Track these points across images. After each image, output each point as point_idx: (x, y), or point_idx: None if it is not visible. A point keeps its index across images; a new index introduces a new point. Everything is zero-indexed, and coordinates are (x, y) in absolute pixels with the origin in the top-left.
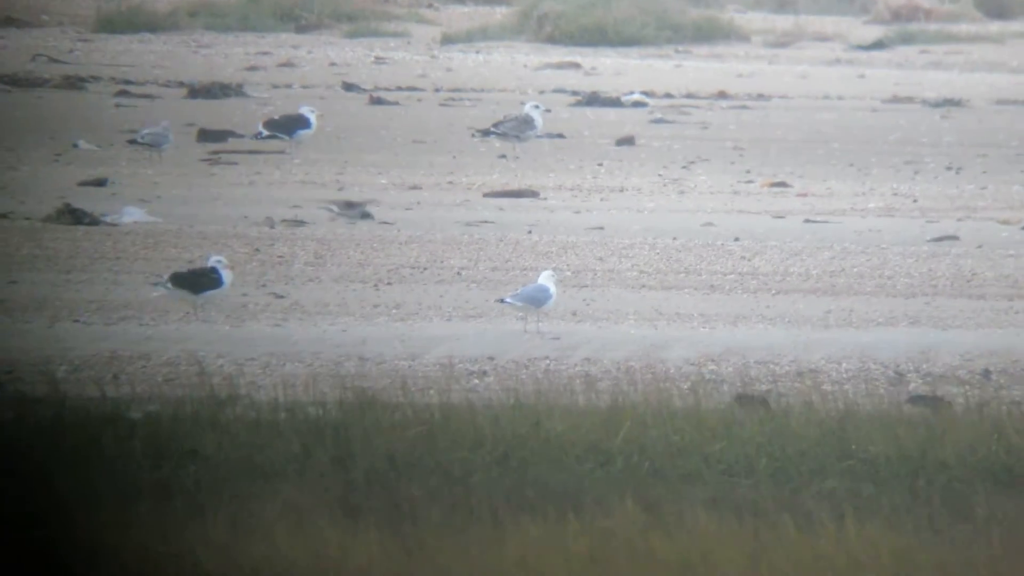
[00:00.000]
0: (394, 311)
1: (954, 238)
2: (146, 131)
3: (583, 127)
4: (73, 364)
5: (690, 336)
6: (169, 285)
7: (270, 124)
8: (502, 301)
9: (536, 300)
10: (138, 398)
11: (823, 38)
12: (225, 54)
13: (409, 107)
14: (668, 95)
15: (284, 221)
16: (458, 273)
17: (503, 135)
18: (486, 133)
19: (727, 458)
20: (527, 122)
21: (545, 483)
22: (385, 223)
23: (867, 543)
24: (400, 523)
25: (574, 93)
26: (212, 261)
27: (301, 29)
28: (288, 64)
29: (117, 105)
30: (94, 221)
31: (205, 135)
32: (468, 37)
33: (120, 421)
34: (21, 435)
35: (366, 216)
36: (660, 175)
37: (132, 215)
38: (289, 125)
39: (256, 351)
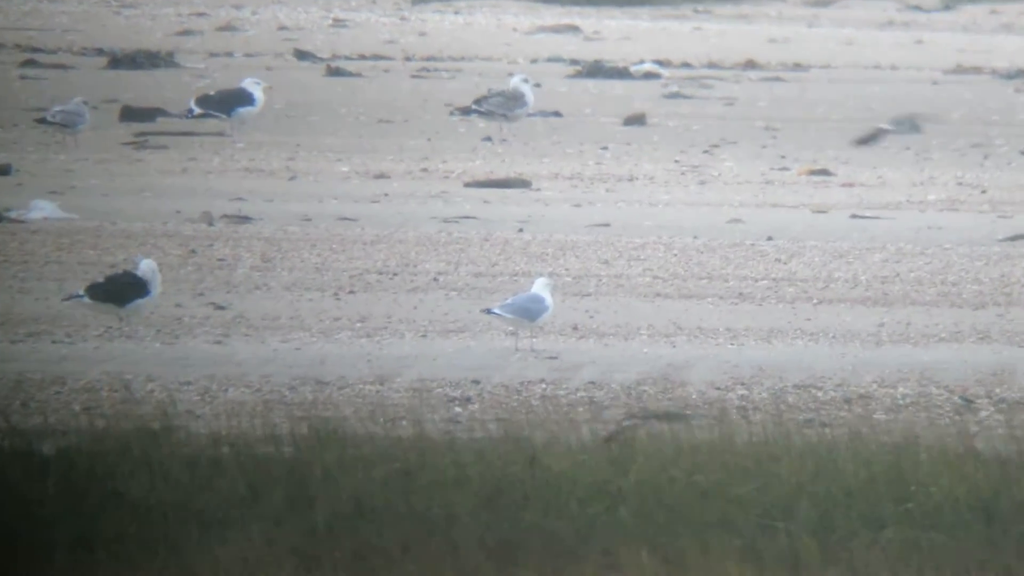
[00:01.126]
0: (358, 325)
1: None
2: (57, 109)
3: (584, 103)
4: None
5: (715, 355)
6: (86, 299)
7: (204, 101)
8: (489, 312)
9: (529, 312)
10: (52, 430)
11: None
12: (152, 15)
13: (374, 79)
14: (686, 64)
15: (225, 216)
16: (435, 279)
17: (487, 113)
18: (467, 111)
19: (762, 501)
20: (516, 98)
21: (542, 531)
22: (346, 219)
23: None
24: None
25: (573, 62)
26: (141, 266)
27: None
28: (228, 28)
29: (22, 77)
30: None
31: (129, 114)
32: None
33: (30, 457)
34: None
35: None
36: (677, 161)
37: (42, 210)
38: (227, 102)
39: (193, 373)
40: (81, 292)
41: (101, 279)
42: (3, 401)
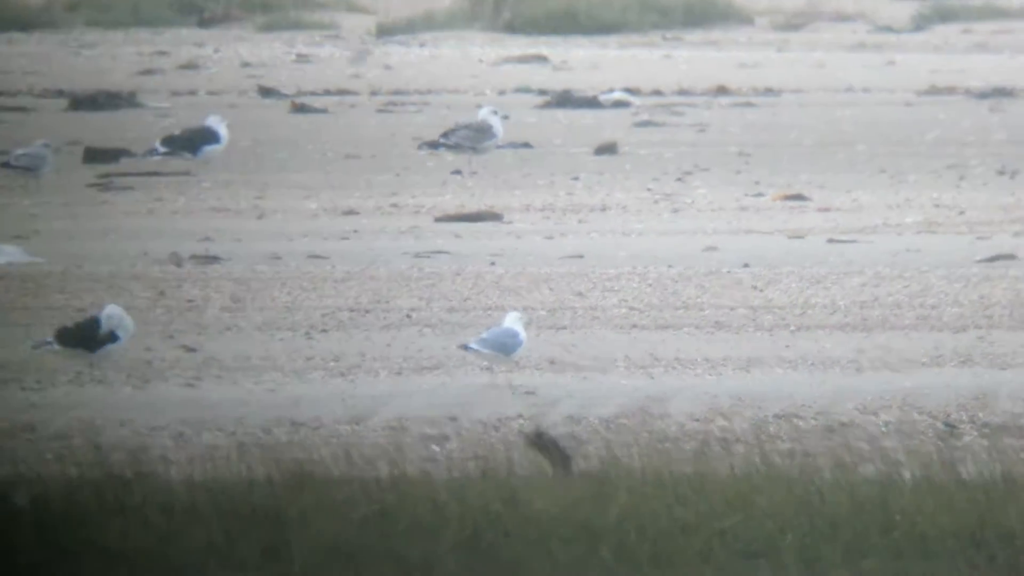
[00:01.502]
0: (332, 364)
1: (1011, 257)
2: (19, 152)
3: (553, 134)
4: None
5: (693, 385)
6: (55, 345)
7: (169, 140)
8: (466, 348)
9: (506, 346)
10: (22, 479)
11: (843, 18)
12: (113, 55)
13: (340, 115)
14: (656, 92)
15: (193, 257)
16: (408, 316)
17: (455, 146)
18: (435, 145)
19: (744, 535)
20: (484, 130)
21: (523, 570)
22: (317, 256)
23: None
24: None
25: (541, 92)
26: (106, 311)
27: (205, 23)
28: (191, 66)
29: None
30: None
31: (92, 155)
32: (410, 27)
33: (2, 506)
34: None
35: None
36: (650, 189)
37: (6, 255)
38: (193, 140)
39: (165, 418)
40: (50, 339)
41: (70, 324)
42: None
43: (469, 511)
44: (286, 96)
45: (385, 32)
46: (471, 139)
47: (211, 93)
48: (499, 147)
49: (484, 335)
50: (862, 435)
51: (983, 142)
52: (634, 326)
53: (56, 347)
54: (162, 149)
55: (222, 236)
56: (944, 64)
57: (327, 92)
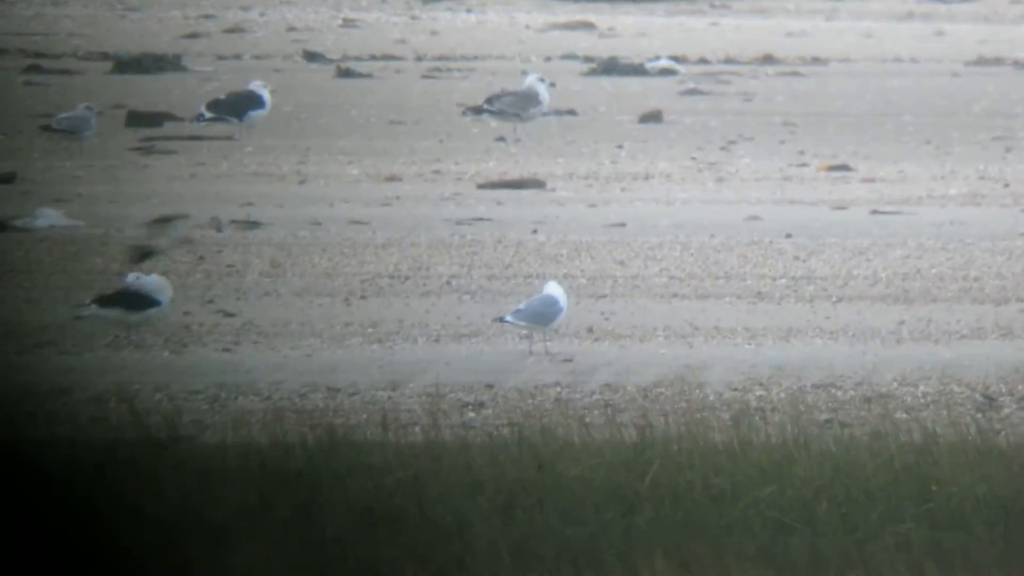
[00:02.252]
0: (370, 331)
1: None
2: (63, 115)
3: (599, 101)
4: None
5: (732, 355)
6: (94, 308)
7: (215, 105)
8: (502, 320)
9: (543, 317)
10: (58, 441)
11: None
12: (159, 19)
13: (385, 80)
14: (702, 60)
15: (234, 222)
16: (448, 283)
17: (500, 113)
18: (479, 111)
19: (780, 504)
20: (530, 97)
21: (557, 537)
22: (357, 223)
23: None
24: None
25: (587, 60)
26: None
27: None
28: (236, 30)
29: (26, 83)
30: (1, 226)
31: (136, 119)
32: None
33: (35, 469)
34: None
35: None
36: (694, 158)
37: (47, 218)
38: (239, 105)
39: (202, 382)
40: (88, 303)
41: (110, 291)
42: (7, 412)
43: (503, 478)
44: (331, 61)
45: None
46: (516, 106)
47: (256, 57)
48: (544, 115)
49: (521, 306)
50: (900, 406)
51: None
52: (675, 295)
53: (94, 309)
54: (208, 114)
55: (264, 201)
56: (992, 35)
57: (372, 57)
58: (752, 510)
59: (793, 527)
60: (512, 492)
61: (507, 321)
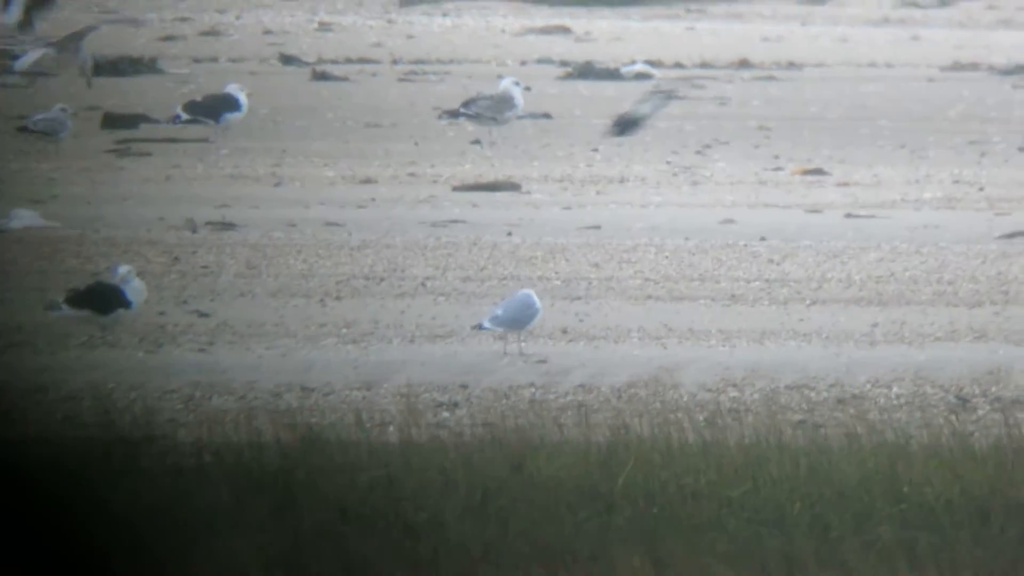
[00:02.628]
0: (344, 331)
1: None
2: (38, 116)
3: (574, 105)
4: None
5: (706, 356)
6: (64, 307)
7: (192, 107)
8: (480, 328)
9: (519, 321)
10: (32, 440)
11: None
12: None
13: (361, 83)
14: (678, 65)
15: (209, 224)
16: (422, 284)
17: (476, 116)
18: (456, 115)
19: (753, 504)
20: (505, 100)
21: (531, 536)
22: (333, 224)
23: None
24: None
25: (563, 64)
26: (118, 273)
27: None
28: (212, 32)
29: (1, 85)
30: None
31: (111, 120)
32: None
33: (9, 468)
34: None
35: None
36: (669, 162)
37: (23, 219)
38: (215, 107)
39: (177, 382)
40: (60, 301)
41: (81, 287)
42: None
43: (477, 477)
44: (307, 64)
45: (409, 1)
46: (492, 109)
47: (232, 60)
48: (519, 118)
49: (498, 312)
50: (874, 407)
51: (1005, 119)
52: (649, 297)
53: (65, 308)
54: (184, 116)
55: (239, 203)
56: (968, 40)
57: (348, 60)
58: (725, 510)
59: (765, 527)
60: (486, 491)
61: (485, 328)
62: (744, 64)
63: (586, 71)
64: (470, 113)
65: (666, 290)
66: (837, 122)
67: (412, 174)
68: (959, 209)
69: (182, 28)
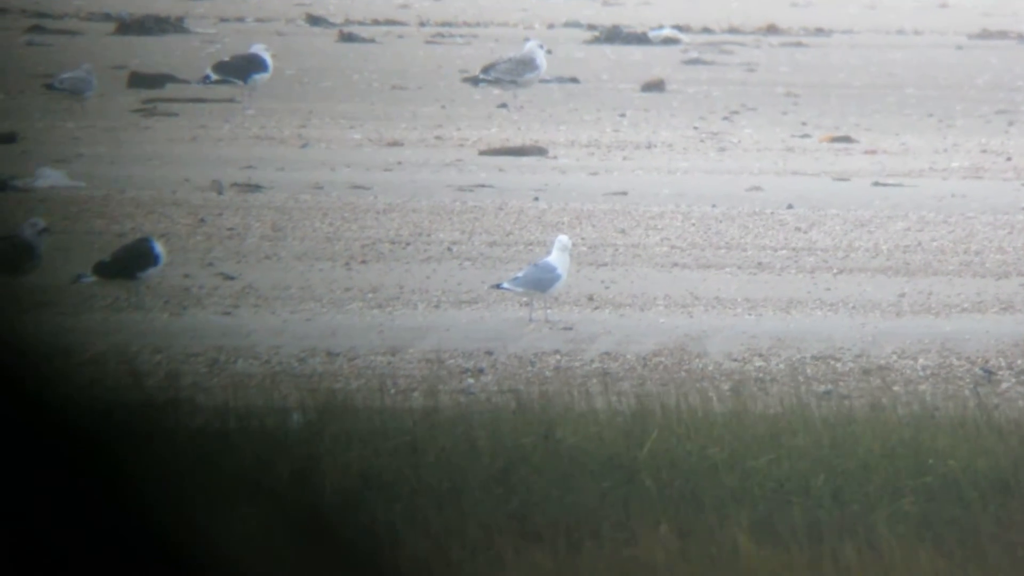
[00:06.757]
0: (370, 296)
1: None
2: (65, 75)
3: (601, 69)
4: None
5: (732, 325)
6: (92, 277)
7: (221, 67)
8: (498, 287)
9: (541, 283)
10: (56, 403)
11: None
12: None
13: (388, 45)
14: (706, 30)
15: (235, 185)
16: (448, 249)
17: (496, 81)
18: (476, 81)
19: (777, 474)
20: (526, 63)
21: (555, 505)
22: (359, 187)
23: None
24: (376, 553)
25: (590, 27)
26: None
27: None
28: None
29: (29, 43)
30: (1, 186)
31: (137, 80)
32: None
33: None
34: None
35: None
36: (696, 128)
37: (48, 178)
38: (244, 68)
39: (201, 345)
40: (88, 272)
41: (107, 258)
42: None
43: (502, 445)
44: (334, 25)
45: None
46: (512, 72)
47: (259, 20)
48: (546, 81)
49: (519, 273)
50: (899, 379)
51: None
52: (675, 264)
53: (92, 279)
54: (214, 76)
55: (265, 164)
56: (997, 7)
57: (375, 22)
58: (750, 480)
59: (790, 497)
60: (510, 459)
61: (504, 288)
62: (772, 30)
63: (613, 35)
64: (489, 78)
65: (692, 257)
66: (864, 89)
67: (438, 137)
68: (986, 179)
69: None
